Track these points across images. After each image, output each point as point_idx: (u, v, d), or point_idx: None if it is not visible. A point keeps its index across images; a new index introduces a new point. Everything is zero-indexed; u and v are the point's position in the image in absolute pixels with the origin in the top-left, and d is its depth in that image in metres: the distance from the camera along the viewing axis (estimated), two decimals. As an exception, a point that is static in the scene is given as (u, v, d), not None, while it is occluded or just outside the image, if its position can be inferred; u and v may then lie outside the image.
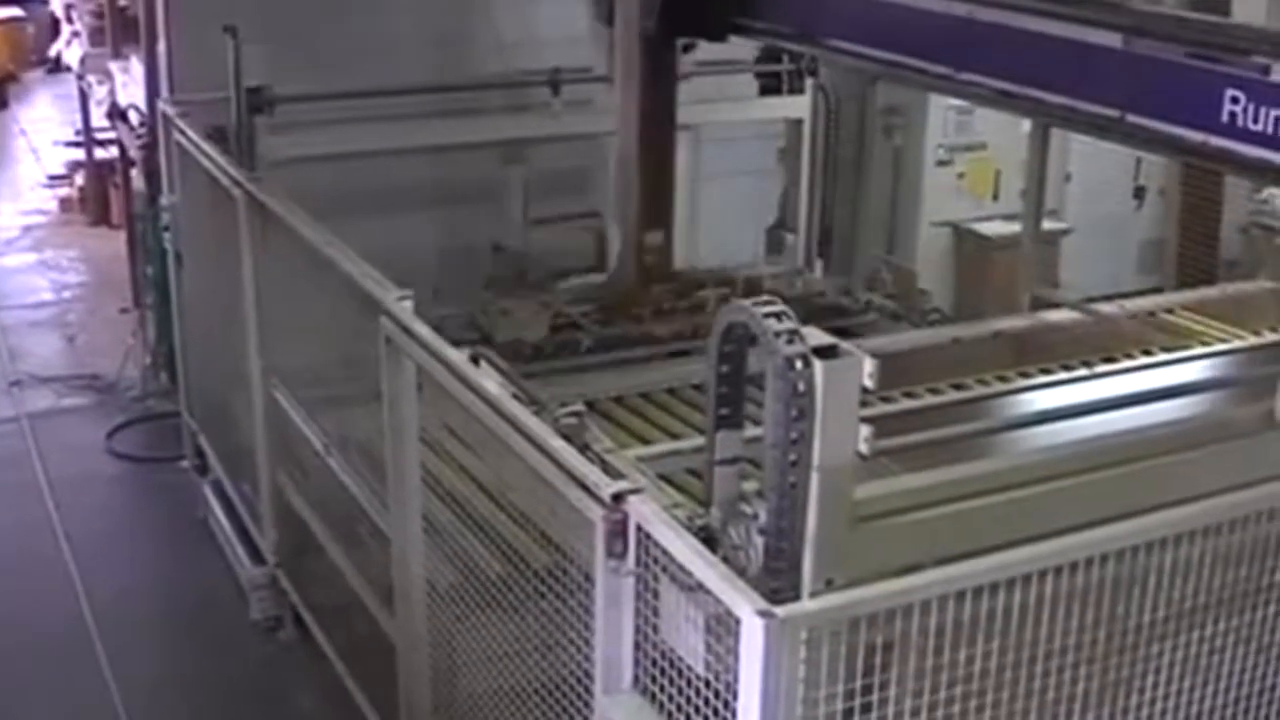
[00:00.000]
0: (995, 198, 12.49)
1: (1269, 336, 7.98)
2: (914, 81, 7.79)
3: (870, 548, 4.86)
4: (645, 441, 7.13)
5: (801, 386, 4.19)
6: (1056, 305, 8.62)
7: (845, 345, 4.30)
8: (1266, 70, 5.80)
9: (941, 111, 12.17)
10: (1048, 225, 10.49)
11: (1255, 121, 5.83)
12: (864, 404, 4.87)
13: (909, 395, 6.99)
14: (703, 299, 9.00)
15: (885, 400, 6.62)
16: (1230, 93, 5.90)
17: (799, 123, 11.58)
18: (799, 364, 4.19)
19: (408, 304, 6.26)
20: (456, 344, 7.63)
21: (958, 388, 7.27)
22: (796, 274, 9.83)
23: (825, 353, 4.23)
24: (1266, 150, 5.80)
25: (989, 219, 12.36)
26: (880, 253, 12.48)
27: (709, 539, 4.51)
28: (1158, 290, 10.67)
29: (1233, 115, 5.89)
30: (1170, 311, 8.59)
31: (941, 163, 12.43)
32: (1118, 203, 13.30)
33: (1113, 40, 6.37)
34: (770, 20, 8.26)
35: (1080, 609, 4.44)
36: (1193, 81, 6.06)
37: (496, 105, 11.13)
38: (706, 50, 9.79)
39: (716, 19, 8.48)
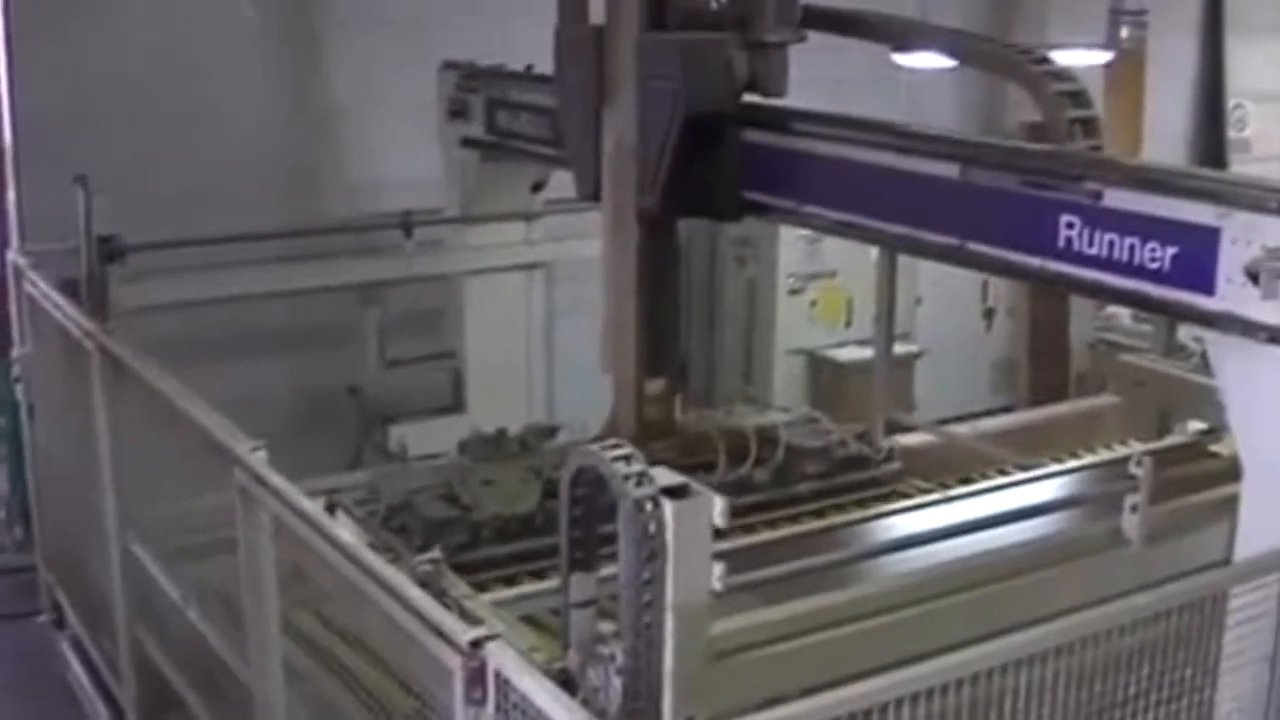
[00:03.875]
0: (848, 324, 12.64)
1: (1117, 451, 8.13)
2: (764, 215, 7.89)
3: (730, 682, 4.90)
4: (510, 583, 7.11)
5: (652, 528, 4.23)
6: (910, 429, 8.75)
7: (695, 485, 4.34)
8: (1099, 195, 5.95)
9: (792, 241, 12.32)
10: (900, 349, 10.66)
11: (1090, 245, 5.97)
12: (722, 537, 4.93)
13: (770, 526, 7.06)
14: (711, 458, 8.06)
15: (747, 531, 6.69)
16: (1065, 218, 6.04)
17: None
18: (649, 506, 4.23)
19: (261, 454, 6.24)
20: (435, 523, 7.44)
21: (818, 516, 7.34)
22: (810, 421, 8.85)
23: (675, 493, 4.27)
24: (1101, 273, 5.94)
25: (843, 345, 12.51)
26: (737, 383, 12.61)
27: (568, 682, 4.53)
28: (1010, 409, 10.84)
29: (1069, 240, 6.04)
30: (1022, 430, 8.76)
31: (794, 291, 12.55)
32: (969, 324, 13.56)
33: (950, 171, 6.51)
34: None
35: (940, 734, 4.49)
36: (1029, 209, 6.19)
37: (349, 248, 11.13)
38: (554, 186, 9.85)
39: (724, 196, 7.85)
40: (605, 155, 7.80)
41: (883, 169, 6.85)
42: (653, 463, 7.69)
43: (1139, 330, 9.74)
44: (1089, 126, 6.91)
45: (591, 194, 8.04)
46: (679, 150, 7.44)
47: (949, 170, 6.54)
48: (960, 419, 9.34)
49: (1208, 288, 5.61)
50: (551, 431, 8.48)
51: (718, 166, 7.63)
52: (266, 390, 10.88)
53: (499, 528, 7.46)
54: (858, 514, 7.11)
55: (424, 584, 5.15)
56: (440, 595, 5.21)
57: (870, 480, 8.14)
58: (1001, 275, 7.88)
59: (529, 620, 6.10)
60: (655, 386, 8.02)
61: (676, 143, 7.42)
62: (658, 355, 8.07)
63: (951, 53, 8.25)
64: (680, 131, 7.39)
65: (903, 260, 9.05)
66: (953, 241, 6.53)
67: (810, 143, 7.36)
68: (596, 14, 7.91)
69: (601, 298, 8.29)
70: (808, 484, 8.06)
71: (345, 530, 5.63)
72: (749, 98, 7.62)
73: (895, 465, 8.39)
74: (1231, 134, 18.41)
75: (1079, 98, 6.99)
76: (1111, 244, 5.90)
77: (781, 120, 7.53)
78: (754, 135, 7.60)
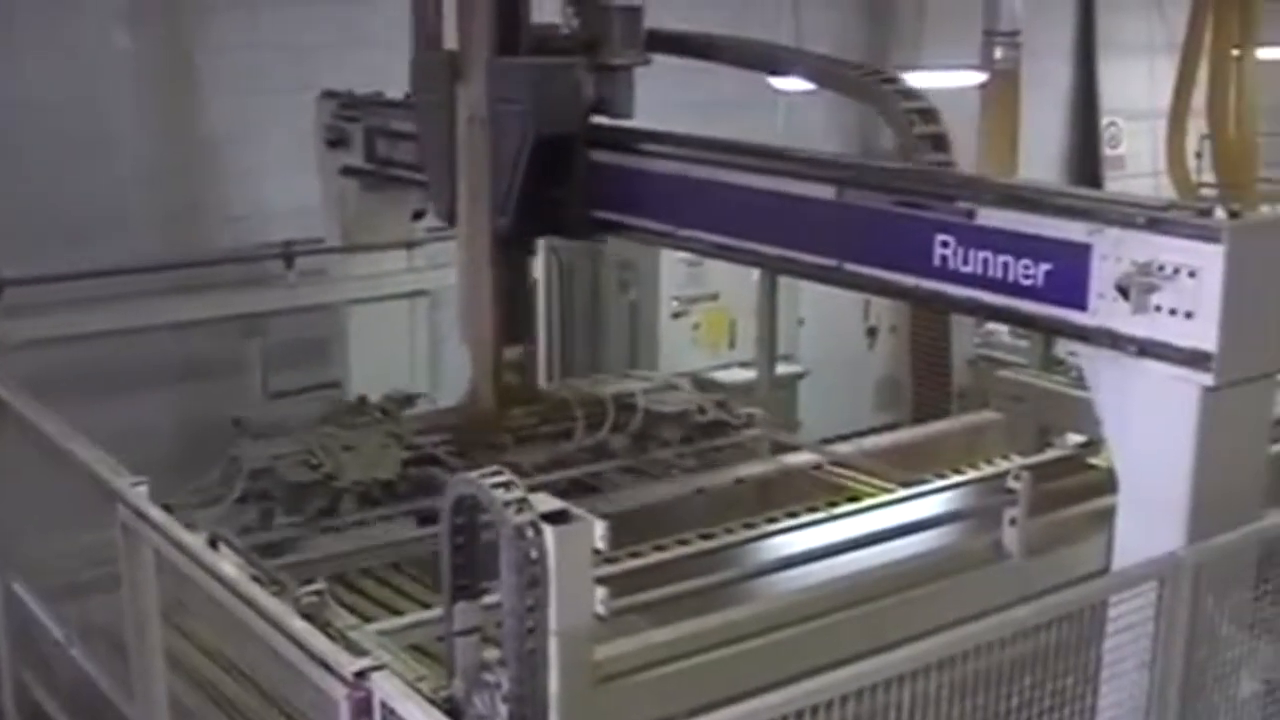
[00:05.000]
0: (732, 346, 12.71)
1: (999, 465, 8.21)
2: (638, 239, 7.94)
3: (617, 706, 4.91)
4: (396, 612, 7.08)
5: (534, 554, 4.25)
6: (796, 449, 8.80)
7: (575, 510, 4.36)
8: (971, 214, 6.03)
9: (674, 264, 12.36)
10: (784, 369, 10.73)
11: (965, 264, 6.05)
12: (610, 560, 4.94)
13: (657, 549, 7.07)
14: (570, 424, 8.24)
15: (634, 555, 6.70)
16: (940, 237, 6.12)
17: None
18: (529, 532, 4.25)
19: (143, 490, 6.20)
20: (296, 487, 7.50)
21: (705, 537, 7.35)
22: (669, 388, 9.03)
23: (555, 518, 4.29)
24: (976, 290, 6.03)
25: (726, 367, 12.56)
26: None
27: (454, 710, 4.53)
28: (894, 426, 10.92)
29: (943, 259, 6.11)
30: (905, 447, 8.84)
31: (677, 314, 12.61)
32: (851, 343, 13.66)
33: (826, 192, 6.57)
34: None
35: (827, 750, 4.52)
36: (903, 228, 6.27)
37: (232, 279, 11.08)
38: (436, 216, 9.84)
39: (577, 214, 8.09)
40: (460, 177, 7.97)
41: (757, 190, 6.90)
42: (513, 428, 8.00)
43: (1018, 346, 9.84)
44: (938, 142, 7.07)
45: (448, 215, 8.22)
46: (530, 170, 7.66)
47: (824, 191, 6.59)
48: (844, 438, 9.38)
49: (1080, 303, 5.71)
50: (411, 399, 8.58)
51: (568, 186, 7.85)
52: (150, 423, 10.79)
53: (361, 493, 7.52)
54: (742, 534, 7.11)
55: (308, 616, 5.14)
56: (325, 626, 5.20)
57: (731, 446, 8.46)
58: (879, 295, 7.97)
59: (416, 649, 6.08)
60: (513, 353, 8.23)
61: (527, 163, 7.64)
62: (514, 322, 8.28)
63: (801, 74, 8.42)
64: (531, 152, 7.60)
65: (785, 281, 9.11)
66: (829, 262, 6.59)
67: (654, 162, 7.59)
68: (452, 41, 8.08)
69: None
70: (667, 449, 8.32)
71: (228, 564, 5.60)
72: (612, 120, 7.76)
73: (756, 431, 8.62)
74: (1106, 151, 18.71)
75: (928, 115, 7.17)
76: (986, 262, 5.99)
77: (629, 141, 7.74)
78: (603, 156, 7.80)
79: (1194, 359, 5.37)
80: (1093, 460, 7.94)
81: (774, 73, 8.86)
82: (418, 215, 10.51)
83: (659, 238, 7.63)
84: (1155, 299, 5.44)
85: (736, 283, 11.69)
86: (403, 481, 7.61)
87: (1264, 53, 17.42)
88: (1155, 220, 5.48)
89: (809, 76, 8.36)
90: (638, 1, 7.80)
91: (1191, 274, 5.35)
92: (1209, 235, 5.33)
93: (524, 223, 7.95)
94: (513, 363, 8.27)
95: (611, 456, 8.12)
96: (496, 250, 8.04)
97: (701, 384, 12.33)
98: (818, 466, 8.48)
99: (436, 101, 8.05)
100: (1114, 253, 5.57)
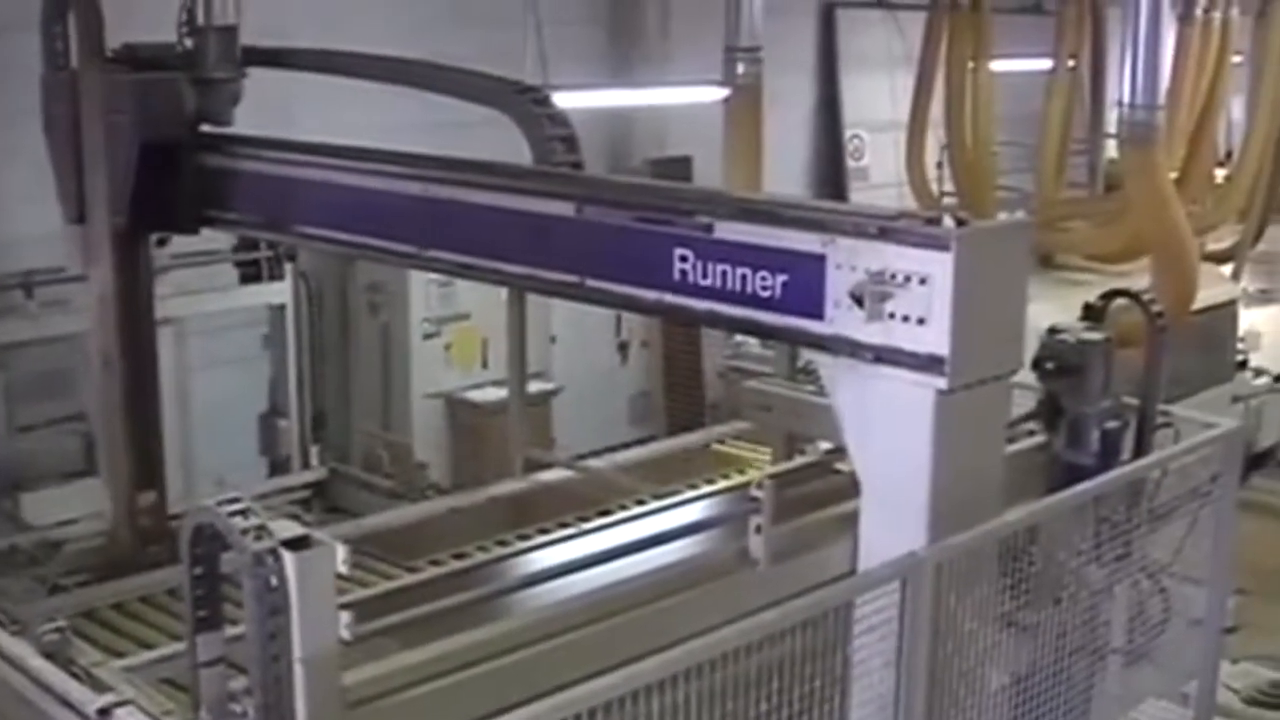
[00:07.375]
0: (485, 365, 12.74)
1: (749, 474, 8.30)
2: (384, 260, 7.92)
3: (369, 730, 4.89)
4: (148, 646, 6.95)
5: (274, 581, 4.22)
6: (549, 466, 8.82)
7: (317, 535, 4.34)
8: (710, 228, 6.09)
9: (424, 285, 12.33)
10: (536, 387, 10.75)
11: (704, 277, 6.10)
12: (363, 583, 4.88)
13: (411, 570, 7.03)
14: None
15: (388, 577, 6.66)
16: (679, 251, 6.16)
17: (281, 308, 11.64)
18: (269, 559, 4.21)
19: (-128, 534, 6.05)
20: None
21: (459, 558, 7.34)
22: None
23: (296, 544, 4.26)
24: (716, 303, 6.07)
25: (480, 386, 12.58)
26: (376, 430, 12.56)
27: (201, 742, 4.48)
28: (648, 440, 11.00)
29: (683, 272, 6.16)
30: (659, 460, 8.91)
31: (428, 335, 12.62)
32: (604, 359, 13.74)
33: (566, 209, 6.59)
34: (238, 211, 8.36)
35: (579, 765, 4.53)
36: (643, 243, 6.30)
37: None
38: (183, 242, 9.74)
39: (185, 212, 8.58)
40: (86, 182, 8.47)
41: (499, 210, 6.90)
42: (151, 564, 8.12)
43: (767, 357, 9.95)
44: (568, 143, 7.53)
45: (76, 218, 8.65)
46: (141, 173, 8.27)
47: (564, 209, 6.61)
48: (598, 453, 9.43)
49: (817, 313, 5.79)
50: (58, 545, 9.62)
51: (176, 187, 8.47)
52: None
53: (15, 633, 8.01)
54: (494, 553, 7.11)
55: (50, 654, 5.05)
56: (68, 664, 5.11)
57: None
58: (623, 309, 8.04)
59: (169, 683, 5.98)
60: (145, 499, 8.65)
61: (136, 167, 8.24)
62: (146, 471, 8.73)
63: (419, 84, 8.69)
64: (139, 157, 8.27)
65: (536, 299, 9.11)
66: (572, 279, 6.61)
67: (256, 164, 8.21)
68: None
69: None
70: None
71: (-35, 606, 5.48)
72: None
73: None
74: (850, 163, 19.04)
75: (557, 119, 7.61)
76: (724, 274, 6.04)
77: (226, 144, 8.42)
78: (211, 159, 8.43)
79: (928, 364, 5.48)
80: (839, 466, 8.04)
81: (388, 82, 9.06)
82: (161, 242, 10.35)
83: (405, 258, 7.59)
84: (889, 306, 5.53)
85: (487, 302, 11.72)
86: None
87: (998, 65, 17.83)
88: (886, 230, 5.57)
89: (429, 85, 8.59)
90: (233, 22, 8.46)
91: (923, 281, 5.46)
92: (938, 243, 5.43)
93: (137, 220, 8.47)
94: (146, 508, 8.66)
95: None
96: (117, 248, 8.52)
97: (454, 403, 12.46)
98: (571, 482, 8.51)
99: (61, 114, 8.54)
100: (848, 262, 5.65)
